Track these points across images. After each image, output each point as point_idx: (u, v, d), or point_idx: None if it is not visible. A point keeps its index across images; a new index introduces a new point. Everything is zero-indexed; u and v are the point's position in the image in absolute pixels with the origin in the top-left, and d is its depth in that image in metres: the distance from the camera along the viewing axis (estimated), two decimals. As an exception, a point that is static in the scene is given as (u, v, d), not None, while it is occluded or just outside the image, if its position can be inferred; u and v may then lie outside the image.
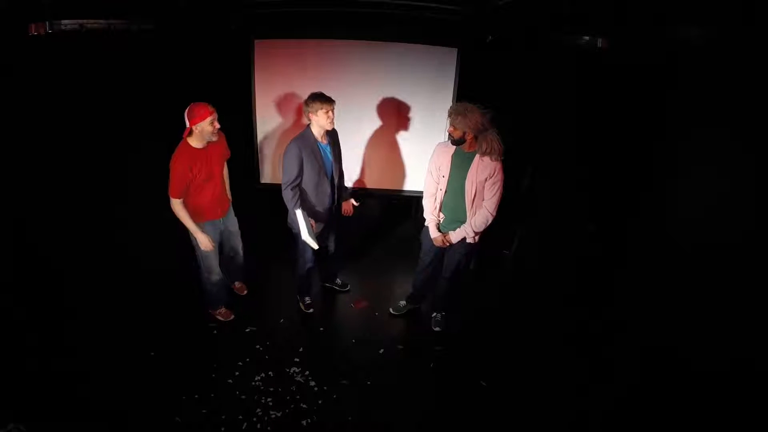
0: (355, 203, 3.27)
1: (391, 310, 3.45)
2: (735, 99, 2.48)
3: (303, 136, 2.83)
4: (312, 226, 2.86)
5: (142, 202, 3.35)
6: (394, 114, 3.79)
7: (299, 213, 2.79)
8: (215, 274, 3.03)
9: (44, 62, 2.76)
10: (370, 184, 4.06)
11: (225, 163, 2.98)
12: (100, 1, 2.93)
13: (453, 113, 2.67)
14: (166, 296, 3.34)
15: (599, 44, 3.30)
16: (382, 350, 3.08)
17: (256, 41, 3.59)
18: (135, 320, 3.09)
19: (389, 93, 3.72)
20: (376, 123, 3.81)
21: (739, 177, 2.49)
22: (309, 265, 3.19)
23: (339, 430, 2.52)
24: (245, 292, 3.57)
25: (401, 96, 3.73)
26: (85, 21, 2.93)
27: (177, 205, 2.69)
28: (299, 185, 2.85)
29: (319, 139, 2.87)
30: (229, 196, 3.08)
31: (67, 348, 2.79)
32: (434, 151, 2.88)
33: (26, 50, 2.70)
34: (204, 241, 2.79)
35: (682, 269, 2.83)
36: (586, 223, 3.69)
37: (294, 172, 2.78)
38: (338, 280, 3.66)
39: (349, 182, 3.99)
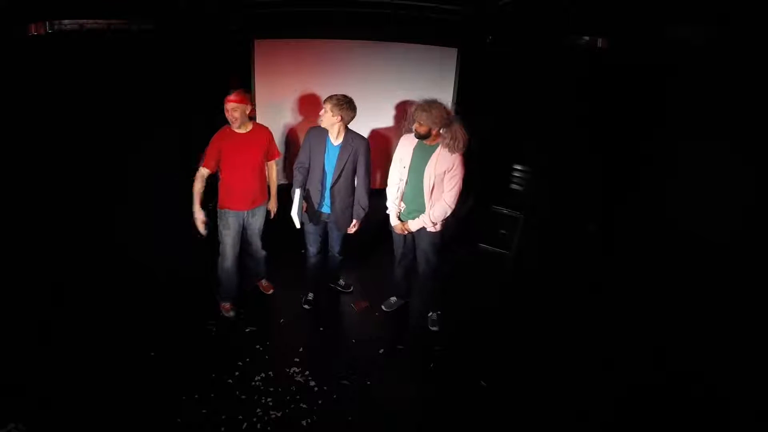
0: (352, 230, 3.15)
1: (383, 307, 3.46)
2: (735, 99, 2.48)
3: (318, 128, 2.96)
4: (303, 207, 2.97)
5: (143, 202, 3.35)
6: (394, 114, 3.78)
7: (297, 192, 2.92)
8: (227, 261, 3.11)
9: (44, 62, 2.76)
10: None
11: (272, 163, 3.19)
12: (100, 1, 2.93)
13: (417, 110, 2.71)
14: (167, 296, 3.33)
15: (599, 44, 3.30)
16: (382, 350, 3.08)
17: (256, 41, 3.59)
18: (135, 320, 3.09)
19: (389, 93, 3.73)
20: (375, 123, 3.81)
21: (739, 176, 2.50)
22: (312, 259, 3.25)
23: (339, 430, 2.51)
24: (271, 291, 3.57)
25: (401, 96, 3.73)
26: (85, 21, 2.93)
27: (198, 175, 2.88)
28: (305, 169, 3.00)
29: (332, 137, 2.92)
30: (267, 196, 3.19)
31: (67, 348, 2.78)
32: (399, 142, 2.95)
33: (26, 50, 2.70)
34: (197, 223, 2.86)
35: (682, 269, 2.84)
36: (586, 223, 3.69)
37: (301, 155, 3.01)
38: (341, 281, 3.66)
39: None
